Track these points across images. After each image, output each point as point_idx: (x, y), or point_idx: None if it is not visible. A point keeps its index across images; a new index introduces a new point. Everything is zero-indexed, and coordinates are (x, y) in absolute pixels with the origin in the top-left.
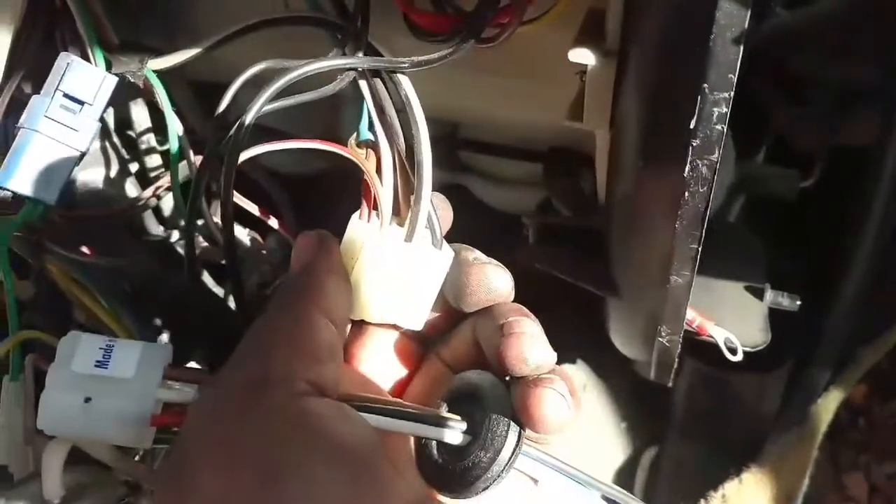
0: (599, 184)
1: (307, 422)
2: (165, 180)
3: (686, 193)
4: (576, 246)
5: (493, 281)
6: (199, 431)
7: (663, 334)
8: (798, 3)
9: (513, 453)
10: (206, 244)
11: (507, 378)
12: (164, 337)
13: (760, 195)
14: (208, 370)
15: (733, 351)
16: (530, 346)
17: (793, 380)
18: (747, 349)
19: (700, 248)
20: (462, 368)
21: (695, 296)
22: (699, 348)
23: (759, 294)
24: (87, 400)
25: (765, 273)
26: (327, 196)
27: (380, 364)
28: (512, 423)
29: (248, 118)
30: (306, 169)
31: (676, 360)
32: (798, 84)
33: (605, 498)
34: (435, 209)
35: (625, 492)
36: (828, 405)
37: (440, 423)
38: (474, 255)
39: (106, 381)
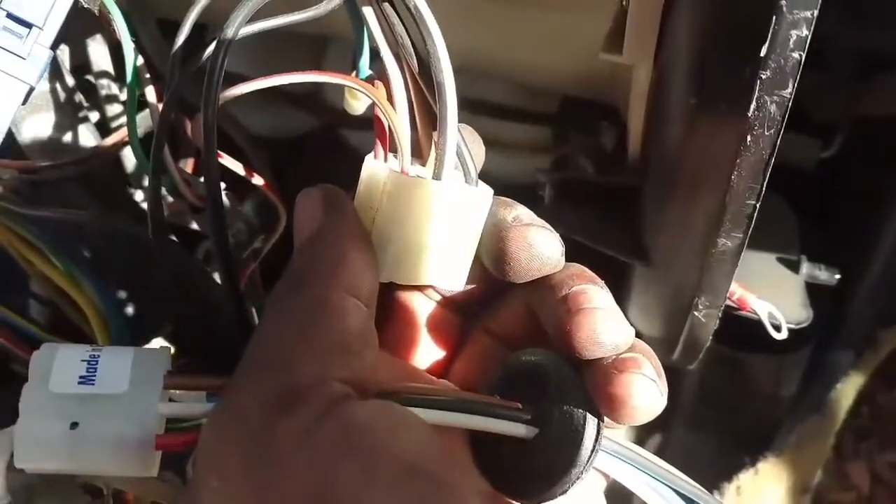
0: (632, 132)
1: (355, 438)
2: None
3: (748, 137)
4: (598, 206)
5: (539, 247)
6: (214, 468)
7: (700, 307)
8: None
9: (593, 449)
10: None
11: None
12: (160, 341)
13: (777, 164)
14: (217, 374)
15: (777, 328)
16: (604, 323)
17: (812, 363)
18: (791, 326)
19: (758, 206)
20: (517, 343)
21: None
22: None
23: (794, 267)
24: (74, 425)
25: (799, 244)
26: (310, 162)
27: (412, 341)
28: (588, 414)
29: (228, 34)
30: (286, 132)
31: (710, 339)
32: (819, 47)
33: (680, 494)
34: (465, 140)
35: (705, 491)
36: (847, 391)
37: (507, 414)
38: (514, 212)
39: (94, 400)
